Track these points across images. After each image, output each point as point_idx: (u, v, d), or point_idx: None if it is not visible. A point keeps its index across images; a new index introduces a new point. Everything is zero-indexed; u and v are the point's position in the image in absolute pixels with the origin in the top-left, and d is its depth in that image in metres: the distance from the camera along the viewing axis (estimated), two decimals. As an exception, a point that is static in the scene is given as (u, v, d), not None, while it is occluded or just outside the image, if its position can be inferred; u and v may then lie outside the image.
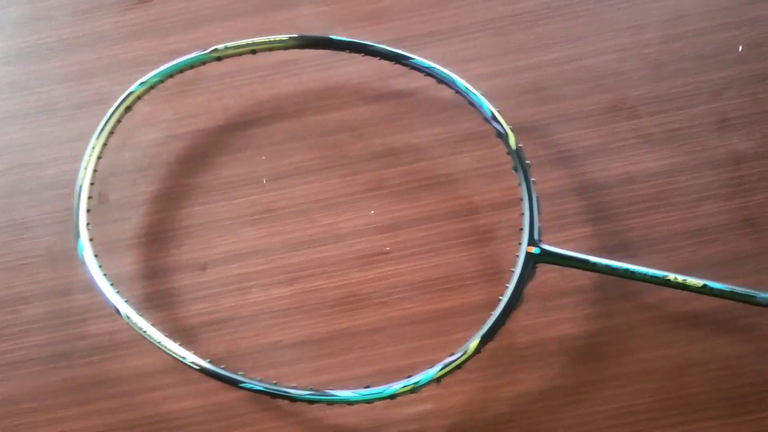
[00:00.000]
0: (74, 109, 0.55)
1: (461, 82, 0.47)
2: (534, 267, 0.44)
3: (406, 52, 0.48)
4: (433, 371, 0.43)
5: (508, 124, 0.46)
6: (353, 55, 0.50)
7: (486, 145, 0.51)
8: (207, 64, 0.50)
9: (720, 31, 0.53)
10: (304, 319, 0.49)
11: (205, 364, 0.45)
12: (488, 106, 0.46)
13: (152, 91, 0.51)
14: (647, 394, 0.46)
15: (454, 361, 0.43)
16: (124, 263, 0.51)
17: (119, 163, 0.53)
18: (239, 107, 0.54)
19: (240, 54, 0.50)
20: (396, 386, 0.43)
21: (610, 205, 0.50)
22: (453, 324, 0.48)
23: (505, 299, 0.43)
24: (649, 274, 0.43)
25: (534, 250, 0.44)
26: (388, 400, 0.43)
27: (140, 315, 0.46)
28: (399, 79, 0.54)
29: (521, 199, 0.45)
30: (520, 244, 0.44)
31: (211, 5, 0.58)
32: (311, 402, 0.44)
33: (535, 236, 0.44)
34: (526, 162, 0.45)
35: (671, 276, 0.43)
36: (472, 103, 0.47)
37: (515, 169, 0.45)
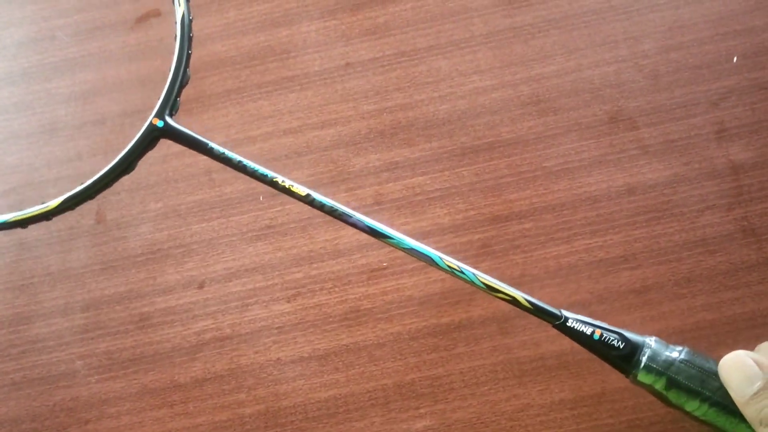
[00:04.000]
0: (75, 129, 0.55)
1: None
2: (155, 140, 0.43)
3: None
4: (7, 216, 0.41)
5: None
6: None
7: (485, 158, 0.51)
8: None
9: (717, 41, 0.53)
10: (305, 335, 0.49)
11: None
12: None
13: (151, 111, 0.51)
14: (650, 407, 0.46)
15: (34, 211, 0.41)
16: (123, 281, 0.51)
17: (118, 183, 0.53)
18: (242, 123, 0.55)
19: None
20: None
21: (614, 216, 0.50)
22: (453, 339, 0.48)
23: (114, 162, 0.42)
24: (259, 171, 0.41)
25: (158, 123, 0.42)
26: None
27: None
28: (396, 94, 0.54)
29: (170, 70, 0.42)
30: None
31: (214, 24, 0.58)
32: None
33: (167, 111, 0.42)
34: (190, 35, 0.43)
35: (279, 178, 0.41)
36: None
37: (176, 38, 0.43)
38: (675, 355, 0.36)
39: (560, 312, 0.39)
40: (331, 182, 0.52)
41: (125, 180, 0.53)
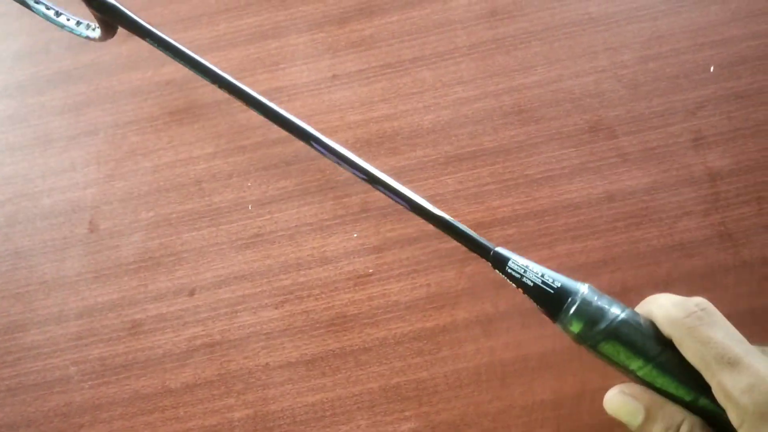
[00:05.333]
0: (68, 140, 0.57)
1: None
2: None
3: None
4: None
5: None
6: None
7: (468, 167, 0.53)
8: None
9: (694, 52, 0.54)
10: (292, 340, 0.50)
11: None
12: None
13: (143, 121, 0.53)
14: (630, 408, 0.47)
15: None
16: (116, 289, 0.52)
17: (110, 192, 0.55)
18: (232, 134, 0.56)
19: None
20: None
21: (594, 222, 0.51)
22: (438, 342, 0.49)
23: None
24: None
25: None
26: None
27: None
28: (382, 104, 0.55)
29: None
30: None
31: (206, 36, 0.60)
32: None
33: None
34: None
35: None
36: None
37: None
38: (615, 311, 0.34)
39: (494, 248, 0.38)
40: (319, 191, 0.53)
41: (118, 190, 0.55)
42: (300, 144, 0.54)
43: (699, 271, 0.49)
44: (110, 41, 0.60)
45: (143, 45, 0.59)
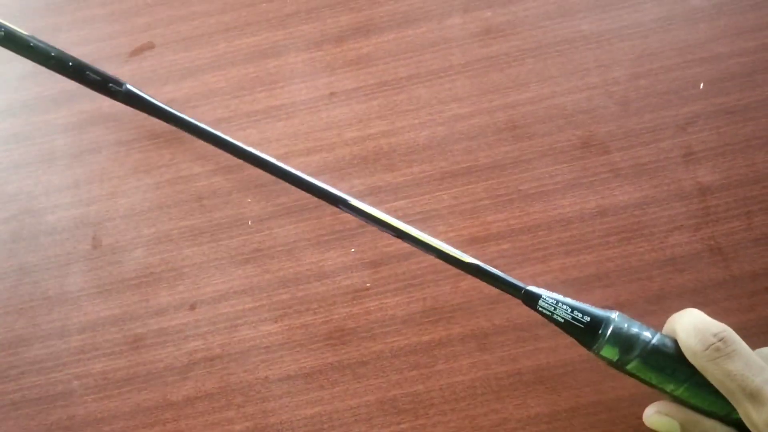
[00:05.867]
0: (72, 158, 0.58)
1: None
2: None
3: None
4: None
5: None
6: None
7: (463, 182, 0.54)
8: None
9: (684, 68, 0.55)
10: (291, 354, 0.51)
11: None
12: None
13: (145, 139, 0.54)
14: (623, 420, 0.48)
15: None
16: (118, 304, 0.53)
17: (113, 209, 0.56)
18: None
19: None
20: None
21: (587, 237, 0.52)
22: (434, 356, 0.50)
23: None
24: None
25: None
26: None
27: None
28: (379, 122, 0.56)
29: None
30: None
31: (205, 56, 0.61)
32: None
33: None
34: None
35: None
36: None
37: None
38: (646, 335, 0.38)
39: (525, 287, 0.41)
40: (317, 206, 0.54)
41: (120, 206, 0.56)
42: (297, 161, 0.56)
43: (690, 285, 0.50)
44: (113, 62, 0.61)
45: (145, 65, 0.61)
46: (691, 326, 0.34)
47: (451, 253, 0.44)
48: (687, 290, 0.50)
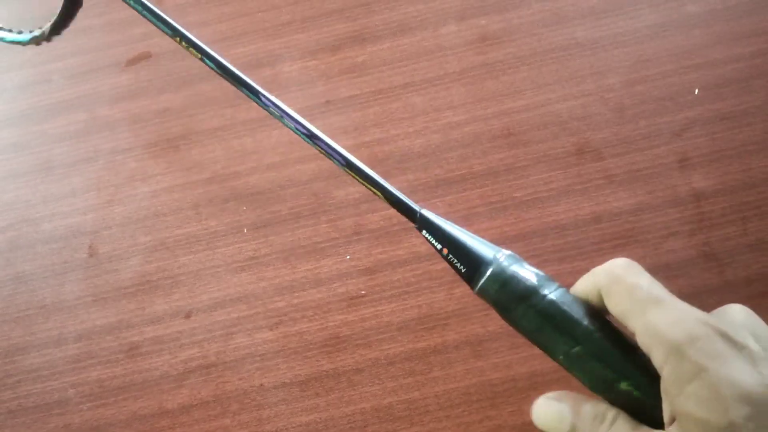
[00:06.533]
0: (69, 167, 0.58)
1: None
2: None
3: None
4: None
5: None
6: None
7: (458, 190, 0.54)
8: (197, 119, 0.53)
9: (680, 74, 0.55)
10: (286, 361, 0.51)
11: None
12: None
13: (141, 148, 0.54)
14: (618, 427, 0.47)
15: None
16: (114, 312, 0.53)
17: (109, 217, 0.56)
18: (227, 159, 0.57)
19: None
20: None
21: (581, 244, 0.52)
22: (429, 363, 0.50)
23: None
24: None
25: None
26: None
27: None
28: (374, 129, 0.56)
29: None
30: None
31: (201, 65, 0.61)
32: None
33: None
34: None
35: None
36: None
37: None
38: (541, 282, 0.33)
39: (420, 210, 0.37)
40: (312, 214, 0.54)
41: (117, 215, 0.56)
42: (293, 169, 0.56)
43: (685, 291, 0.50)
44: (109, 72, 0.61)
45: (142, 75, 0.61)
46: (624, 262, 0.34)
47: (354, 161, 0.40)
48: (682, 296, 0.49)
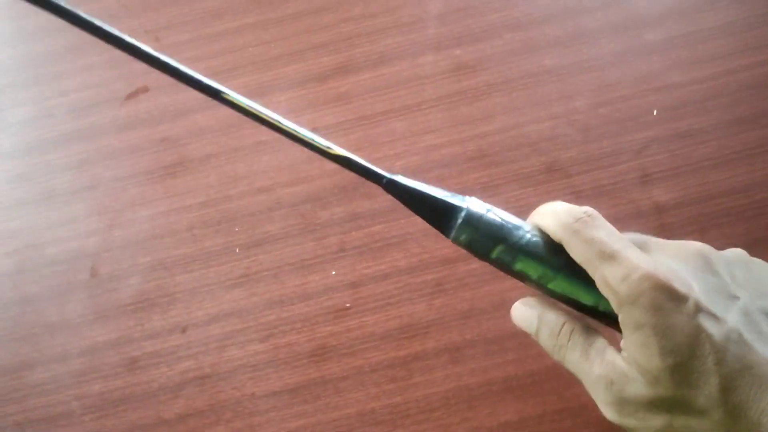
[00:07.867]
0: (71, 194, 0.62)
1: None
2: None
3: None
4: None
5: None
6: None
7: (436, 207, 0.57)
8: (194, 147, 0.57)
9: (640, 97, 0.59)
10: (277, 371, 0.54)
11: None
12: None
13: (140, 175, 0.58)
14: (587, 426, 0.50)
15: None
16: (115, 329, 0.57)
17: (110, 240, 0.60)
18: (220, 184, 0.61)
19: None
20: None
21: (554, 257, 0.55)
22: (410, 369, 0.53)
23: None
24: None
25: None
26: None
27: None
28: (357, 153, 0.60)
29: None
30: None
31: (195, 97, 0.64)
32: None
33: None
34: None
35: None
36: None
37: None
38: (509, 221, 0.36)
39: (387, 175, 0.38)
40: (300, 233, 0.58)
41: (117, 238, 0.59)
42: (282, 192, 0.60)
43: (649, 296, 0.53)
44: (110, 105, 0.65)
45: (141, 107, 0.65)
46: (561, 207, 0.35)
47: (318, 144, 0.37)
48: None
